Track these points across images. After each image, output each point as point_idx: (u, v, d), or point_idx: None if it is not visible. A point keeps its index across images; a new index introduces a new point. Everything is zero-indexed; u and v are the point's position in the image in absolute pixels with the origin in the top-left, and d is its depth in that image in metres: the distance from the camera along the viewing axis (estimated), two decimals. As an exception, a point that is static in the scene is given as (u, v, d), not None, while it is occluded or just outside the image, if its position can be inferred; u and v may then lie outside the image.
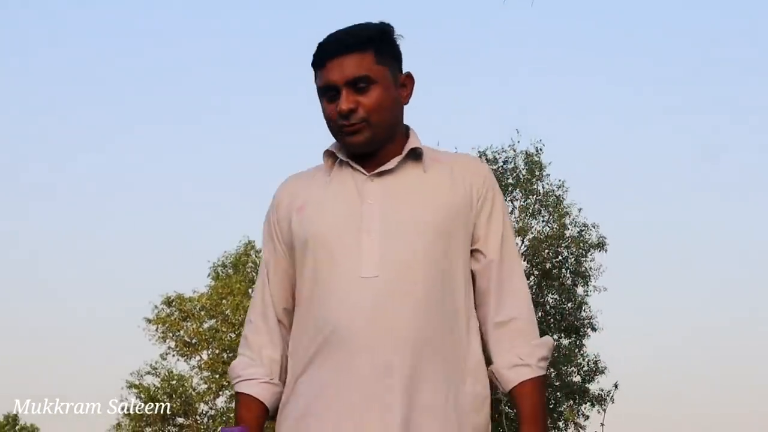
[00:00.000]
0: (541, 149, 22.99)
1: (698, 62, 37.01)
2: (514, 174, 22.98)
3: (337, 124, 2.06)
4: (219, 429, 2.89)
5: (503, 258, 2.09)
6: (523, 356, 2.02)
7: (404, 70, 2.16)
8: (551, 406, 22.70)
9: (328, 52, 2.05)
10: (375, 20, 2.15)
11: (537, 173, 22.92)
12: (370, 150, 2.09)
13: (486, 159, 22.88)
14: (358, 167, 2.09)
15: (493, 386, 1.99)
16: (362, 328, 1.95)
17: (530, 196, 23.09)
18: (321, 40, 2.10)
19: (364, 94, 2.04)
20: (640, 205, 36.22)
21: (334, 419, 1.93)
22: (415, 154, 2.11)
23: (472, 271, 2.10)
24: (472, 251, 2.10)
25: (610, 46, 37.42)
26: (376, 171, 2.07)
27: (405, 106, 2.16)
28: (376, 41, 2.07)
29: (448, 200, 2.06)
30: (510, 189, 23.00)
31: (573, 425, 22.82)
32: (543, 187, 23.17)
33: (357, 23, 2.11)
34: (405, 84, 2.14)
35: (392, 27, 2.13)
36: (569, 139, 35.46)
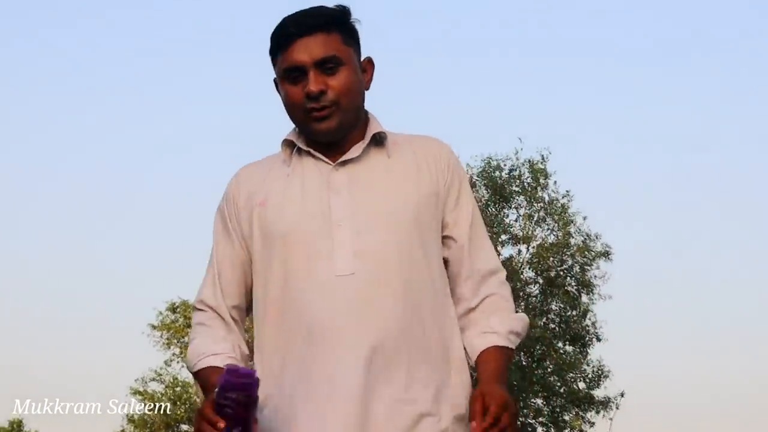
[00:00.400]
0: (547, 157, 22.95)
1: (706, 68, 37.19)
2: (519, 182, 22.84)
3: (303, 107, 1.99)
4: (225, 366, 1.74)
5: (473, 241, 2.05)
6: (493, 325, 1.99)
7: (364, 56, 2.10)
8: (556, 415, 22.98)
9: (292, 32, 1.99)
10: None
11: (542, 181, 22.90)
12: (337, 137, 2.03)
13: (490, 166, 22.94)
14: (321, 156, 2.03)
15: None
16: (342, 328, 1.90)
17: (535, 204, 23.02)
18: (279, 23, 2.03)
19: (332, 76, 1.99)
20: (646, 214, 36.44)
21: (319, 419, 1.87)
22: (378, 140, 2.06)
23: (444, 258, 2.06)
24: (442, 237, 2.06)
25: (618, 54, 37.68)
26: (341, 160, 2.02)
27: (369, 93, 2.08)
28: (340, 22, 2.03)
29: (416, 188, 2.02)
30: (515, 196, 22.95)
31: (579, 431, 23.15)
32: (548, 195, 23.15)
33: (314, 6, 2.05)
34: (366, 69, 2.09)
35: (350, 10, 2.07)
36: (575, 148, 35.66)
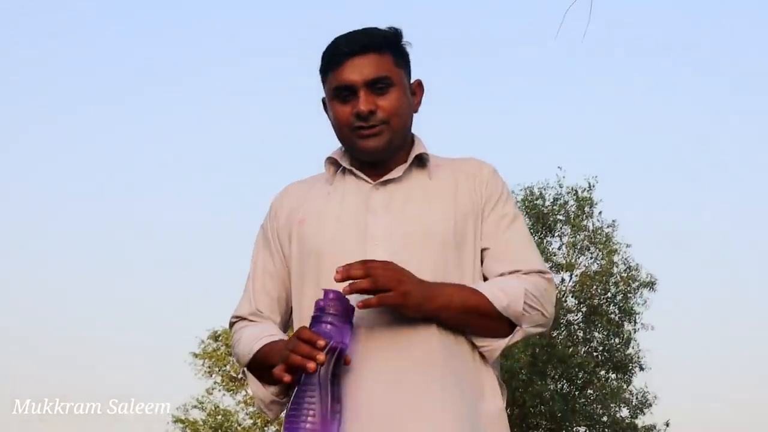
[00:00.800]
0: (593, 185, 23.05)
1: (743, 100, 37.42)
2: (563, 210, 22.96)
3: (352, 126, 1.98)
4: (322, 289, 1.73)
5: (509, 245, 1.99)
6: (499, 279, 1.95)
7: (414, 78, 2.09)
8: None
9: (344, 51, 1.98)
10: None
11: (587, 210, 23.02)
12: (384, 157, 2.02)
13: (531, 194, 23.07)
14: (363, 175, 2.03)
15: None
16: (366, 347, 1.89)
17: (579, 233, 23.09)
18: (330, 42, 2.03)
19: (382, 96, 1.98)
20: (690, 245, 36.48)
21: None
22: (420, 161, 2.05)
23: (487, 271, 2.01)
24: (482, 249, 2.02)
25: (664, 83, 37.96)
26: (382, 180, 2.01)
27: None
28: (392, 44, 2.02)
29: (453, 208, 2.00)
30: (559, 225, 23.12)
31: None
32: (593, 224, 23.23)
33: (366, 27, 2.04)
34: (415, 92, 2.08)
35: (402, 33, 2.06)
36: (619, 176, 35.95)
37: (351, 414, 1.82)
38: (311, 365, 1.71)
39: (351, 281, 1.76)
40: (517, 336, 1.93)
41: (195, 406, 28.09)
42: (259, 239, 2.15)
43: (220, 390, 27.76)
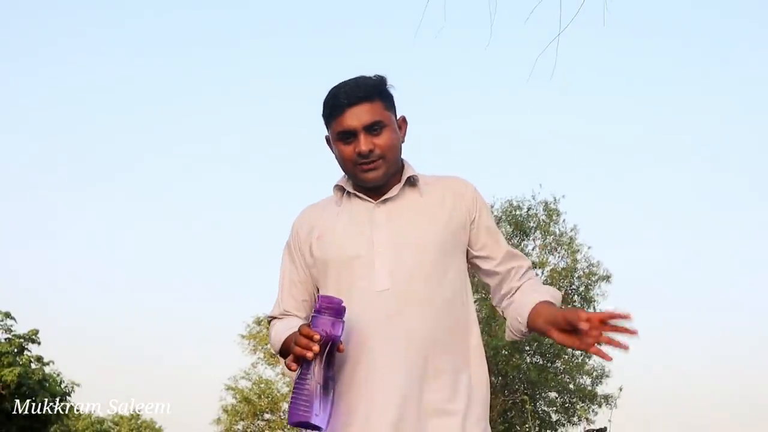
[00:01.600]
0: (558, 199, 24.50)
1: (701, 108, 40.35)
2: (535, 219, 24.19)
3: (355, 162, 2.18)
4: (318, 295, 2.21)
5: (506, 252, 2.27)
6: (540, 291, 2.19)
7: (399, 114, 2.28)
8: (567, 406, 24.42)
9: (344, 102, 2.17)
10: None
11: (554, 218, 24.34)
12: (382, 183, 2.22)
13: (511, 206, 24.30)
14: (365, 197, 2.23)
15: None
16: (379, 334, 2.07)
17: (548, 237, 24.38)
18: (330, 93, 2.21)
19: (377, 136, 2.17)
20: (643, 241, 39.85)
21: (363, 411, 2.05)
22: (412, 181, 2.23)
23: (483, 270, 2.27)
24: (479, 256, 2.26)
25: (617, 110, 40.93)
26: (382, 199, 2.20)
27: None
28: (380, 91, 2.22)
29: (444, 220, 2.19)
30: (532, 230, 24.27)
31: (585, 420, 24.08)
32: (559, 230, 24.51)
33: (358, 76, 2.22)
34: (401, 126, 2.27)
35: (386, 79, 2.25)
36: (585, 189, 38.73)
37: (368, 384, 2.04)
38: (309, 355, 1.88)
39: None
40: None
41: (243, 377, 29.99)
42: (285, 254, 2.33)
43: (262, 364, 29.64)
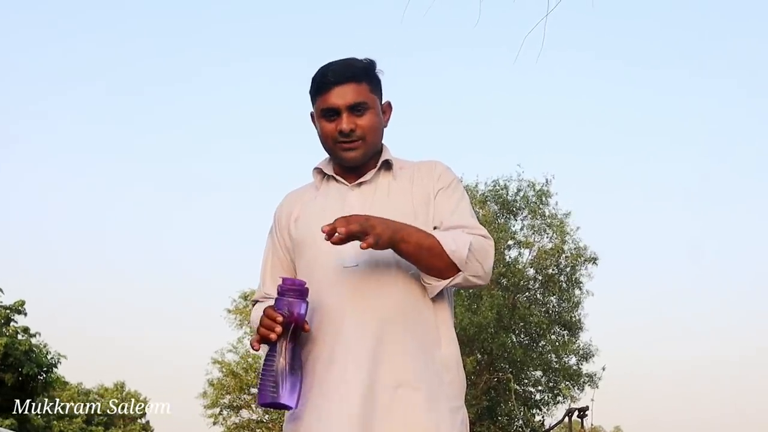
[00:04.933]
0: (550, 181, 24.64)
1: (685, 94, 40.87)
2: (525, 199, 24.38)
3: (336, 140, 2.22)
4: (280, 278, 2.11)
5: (454, 216, 2.22)
6: (445, 232, 2.14)
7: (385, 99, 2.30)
8: (551, 385, 24.70)
9: (330, 80, 2.21)
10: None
11: (544, 200, 24.55)
12: (361, 164, 2.26)
13: (498, 186, 24.59)
14: (342, 180, 2.27)
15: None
16: (346, 310, 2.10)
17: (537, 218, 24.52)
18: (319, 70, 2.26)
19: (360, 117, 2.21)
20: (628, 225, 40.58)
21: (332, 387, 2.08)
22: (387, 165, 2.26)
23: None
24: (438, 225, 2.23)
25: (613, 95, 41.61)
26: (356, 182, 2.24)
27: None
28: (368, 74, 2.26)
29: (410, 201, 2.22)
30: (521, 210, 24.58)
31: (570, 399, 24.28)
32: (549, 212, 24.67)
33: (349, 57, 2.26)
34: (385, 111, 2.31)
35: (375, 63, 2.29)
36: (575, 172, 40.22)
37: (338, 357, 2.07)
38: (272, 336, 1.95)
39: (337, 234, 1.96)
40: (457, 279, 2.12)
41: (229, 351, 30.09)
42: (268, 239, 2.39)
43: (249, 338, 27.48)
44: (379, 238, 2.01)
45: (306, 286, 2.05)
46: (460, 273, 2.13)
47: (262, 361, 2.09)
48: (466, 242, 2.11)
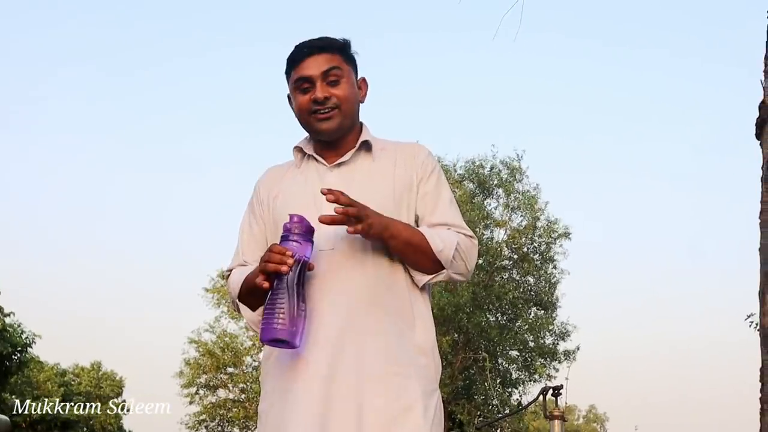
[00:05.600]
0: (521, 156, 24.70)
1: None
2: (498, 177, 24.42)
3: (311, 110, 2.21)
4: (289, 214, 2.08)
5: (438, 211, 2.24)
6: (430, 228, 2.18)
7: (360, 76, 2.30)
8: (527, 364, 24.80)
9: (305, 51, 2.22)
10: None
11: (517, 176, 24.58)
12: (337, 136, 2.25)
13: (474, 165, 24.52)
14: (321, 160, 2.27)
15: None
16: (321, 292, 2.11)
17: (510, 195, 24.49)
18: (294, 47, 2.26)
19: (335, 87, 2.21)
20: (599, 202, 40.67)
21: (298, 368, 2.09)
22: (367, 146, 2.25)
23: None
24: (421, 216, 2.25)
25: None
26: (335, 163, 2.24)
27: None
28: (342, 48, 2.28)
29: (391, 185, 2.22)
30: (495, 189, 24.54)
31: (546, 377, 24.62)
32: (521, 188, 24.73)
33: (322, 36, 2.26)
34: (361, 86, 2.31)
35: (350, 42, 2.30)
36: (546, 149, 41.18)
37: (310, 338, 2.05)
38: (284, 268, 1.93)
39: (333, 214, 1.99)
40: (440, 277, 2.17)
41: (207, 330, 29.90)
42: (246, 211, 2.39)
43: (226, 318, 29.42)
44: (371, 228, 2.04)
45: (312, 226, 2.05)
46: (445, 271, 2.18)
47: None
48: (453, 243, 2.15)
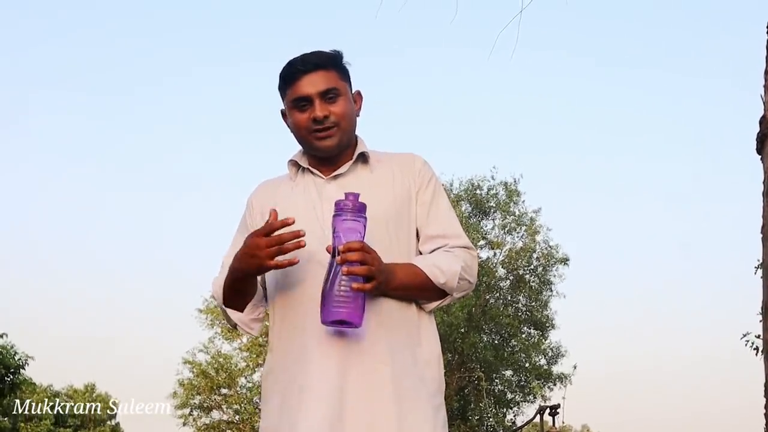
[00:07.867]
0: (518, 180, 24.86)
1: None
2: (495, 198, 24.50)
3: (310, 129, 2.19)
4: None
5: (445, 231, 2.23)
6: (428, 256, 2.18)
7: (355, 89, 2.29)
8: (522, 385, 24.89)
9: (300, 69, 2.19)
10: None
11: (515, 198, 24.67)
12: (336, 152, 2.23)
13: (471, 185, 24.62)
14: (318, 173, 2.24)
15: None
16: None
17: (508, 217, 24.57)
18: (286, 64, 2.23)
19: (333, 104, 2.19)
20: (600, 226, 40.96)
21: (316, 374, 2.06)
22: (363, 158, 2.24)
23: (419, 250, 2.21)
24: (420, 227, 2.24)
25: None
26: (332, 175, 2.21)
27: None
28: (336, 63, 2.25)
29: (391, 195, 2.20)
30: (492, 210, 24.62)
31: (541, 398, 24.59)
32: (519, 210, 24.82)
33: (315, 50, 2.25)
34: (356, 100, 2.29)
35: (343, 54, 2.28)
36: (547, 172, 40.40)
37: (315, 356, 2.06)
38: (302, 243, 1.95)
39: (347, 261, 1.95)
40: (446, 301, 2.20)
41: (201, 351, 29.81)
42: (240, 224, 2.35)
43: (220, 338, 29.45)
44: (376, 290, 2.04)
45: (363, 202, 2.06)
46: (449, 296, 2.20)
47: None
48: (455, 270, 2.15)
